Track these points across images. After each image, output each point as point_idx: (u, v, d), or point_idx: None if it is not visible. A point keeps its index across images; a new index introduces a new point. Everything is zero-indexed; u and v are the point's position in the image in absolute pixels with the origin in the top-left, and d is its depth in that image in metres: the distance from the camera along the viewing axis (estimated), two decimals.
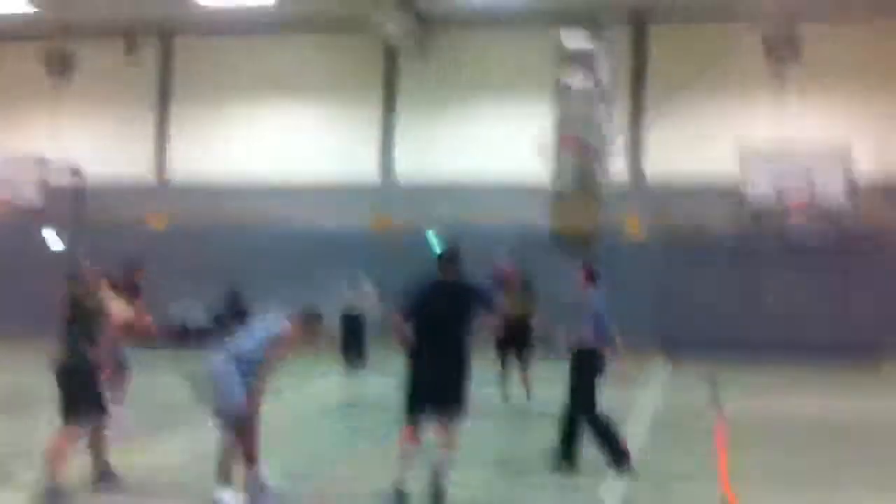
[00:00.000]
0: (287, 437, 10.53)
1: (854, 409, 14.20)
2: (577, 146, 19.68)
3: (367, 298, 17.76)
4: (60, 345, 7.85)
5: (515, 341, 13.03)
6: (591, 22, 20.21)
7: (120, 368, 10.31)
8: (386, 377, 16.25)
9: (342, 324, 17.76)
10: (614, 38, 20.70)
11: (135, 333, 8.28)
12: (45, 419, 9.98)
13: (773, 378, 18.03)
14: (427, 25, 23.10)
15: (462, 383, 7.75)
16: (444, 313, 7.70)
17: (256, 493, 7.64)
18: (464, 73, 23.08)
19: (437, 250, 8.31)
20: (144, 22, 24.22)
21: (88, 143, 24.73)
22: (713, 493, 7.80)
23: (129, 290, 8.35)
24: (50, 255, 22.46)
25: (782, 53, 21.17)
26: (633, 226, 21.97)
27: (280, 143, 23.94)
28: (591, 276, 9.42)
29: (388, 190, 23.36)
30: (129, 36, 24.69)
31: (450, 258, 7.99)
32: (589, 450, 8.88)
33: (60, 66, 24.95)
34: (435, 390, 7.65)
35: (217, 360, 7.58)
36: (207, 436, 8.40)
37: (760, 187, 20.13)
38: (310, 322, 7.73)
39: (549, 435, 10.90)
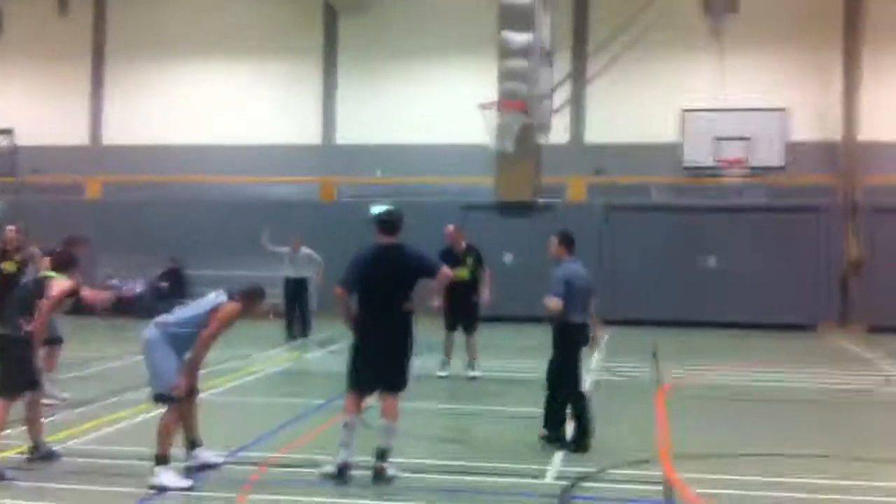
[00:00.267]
0: (227, 410, 10.50)
1: (791, 374, 14.40)
2: (518, 105, 19.59)
3: (308, 264, 17.61)
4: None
5: (461, 307, 12.97)
6: None
7: (53, 341, 10.19)
8: (329, 345, 16.31)
9: (285, 289, 17.64)
10: None
11: (91, 306, 8.16)
12: None
13: (712, 342, 18.36)
14: None
15: (404, 353, 7.74)
16: (385, 281, 7.60)
17: (196, 469, 7.63)
18: (404, 31, 22.87)
19: (377, 214, 8.14)
20: None
21: (21, 103, 24.16)
22: (657, 473, 7.89)
23: (68, 262, 8.18)
24: None
25: (720, 6, 21.31)
26: (574, 186, 22.09)
27: (218, 103, 23.52)
28: (567, 243, 8.95)
29: (329, 150, 23.15)
30: None
31: (389, 222, 7.83)
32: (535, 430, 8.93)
33: None
34: (377, 360, 7.63)
35: (151, 334, 7.51)
36: (147, 410, 8.36)
37: (698, 146, 20.34)
38: (250, 299, 7.67)
39: (490, 410, 11.12)
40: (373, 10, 23.08)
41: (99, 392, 11.31)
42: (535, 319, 20.13)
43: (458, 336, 13.24)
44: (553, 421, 8.84)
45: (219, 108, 23.49)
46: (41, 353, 8.47)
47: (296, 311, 17.66)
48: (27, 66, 24.47)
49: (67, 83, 24.32)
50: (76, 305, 8.35)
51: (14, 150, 23.97)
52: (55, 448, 8.08)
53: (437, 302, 12.04)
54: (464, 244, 13.27)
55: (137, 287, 22.31)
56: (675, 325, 19.66)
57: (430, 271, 7.88)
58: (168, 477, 7.21)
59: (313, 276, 17.46)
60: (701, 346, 17.72)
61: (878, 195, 20.70)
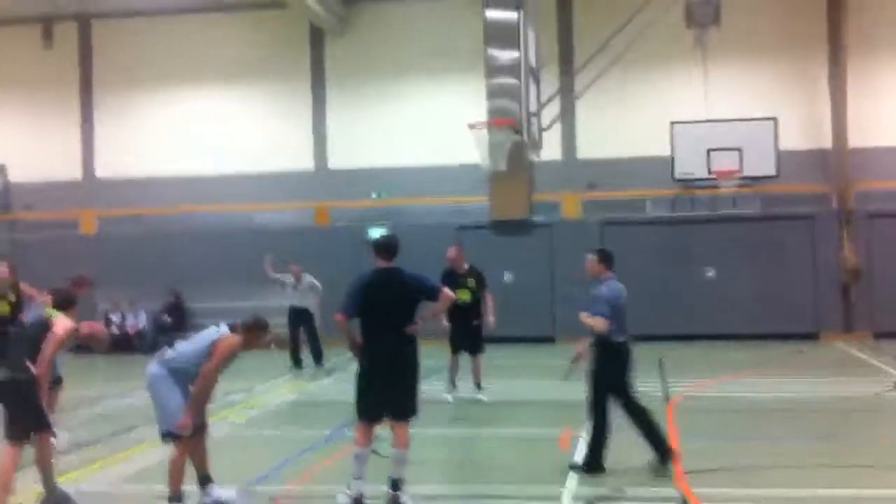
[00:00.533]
0: (237, 444, 10.44)
1: (794, 386, 14.37)
2: (508, 122, 19.59)
3: (311, 292, 17.57)
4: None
5: (464, 329, 12.96)
6: None
7: (53, 382, 10.09)
8: (335, 373, 16.24)
9: (290, 318, 17.55)
10: (539, 8, 20.65)
11: (83, 341, 8.12)
12: None
13: (715, 354, 18.35)
14: (349, 2, 22.86)
15: (412, 378, 7.72)
16: (387, 305, 7.58)
17: (209, 501, 7.58)
18: (391, 53, 22.87)
19: (375, 239, 8.10)
20: (60, 7, 23.49)
21: (11, 139, 24.01)
22: (673, 492, 7.87)
23: (70, 300, 8.14)
24: None
25: (702, 19, 21.38)
26: (569, 202, 22.12)
27: (209, 132, 23.43)
28: (607, 260, 8.78)
29: (322, 175, 23.12)
30: (45, 23, 23.96)
31: (387, 245, 7.83)
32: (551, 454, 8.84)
33: None
34: (385, 386, 7.60)
35: (155, 370, 7.47)
36: (156, 448, 8.29)
37: (690, 158, 20.39)
38: (252, 331, 7.62)
39: (500, 433, 11.08)
40: (359, 33, 23.10)
41: (106, 431, 11.23)
42: (535, 339, 20.39)
43: (463, 358, 13.21)
44: (595, 446, 8.58)
45: (210, 137, 23.41)
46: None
47: (300, 340, 17.56)
48: (15, 100, 24.37)
49: (57, 117, 24.22)
50: (75, 343, 8.30)
51: (6, 187, 23.86)
52: (66, 490, 8.01)
53: (443, 322, 12.05)
54: (465, 266, 13.25)
55: (140, 322, 22.21)
56: (676, 338, 19.65)
57: (431, 293, 7.85)
58: None
59: (315, 303, 17.38)
60: (704, 359, 17.72)
61: (872, 201, 20.76)
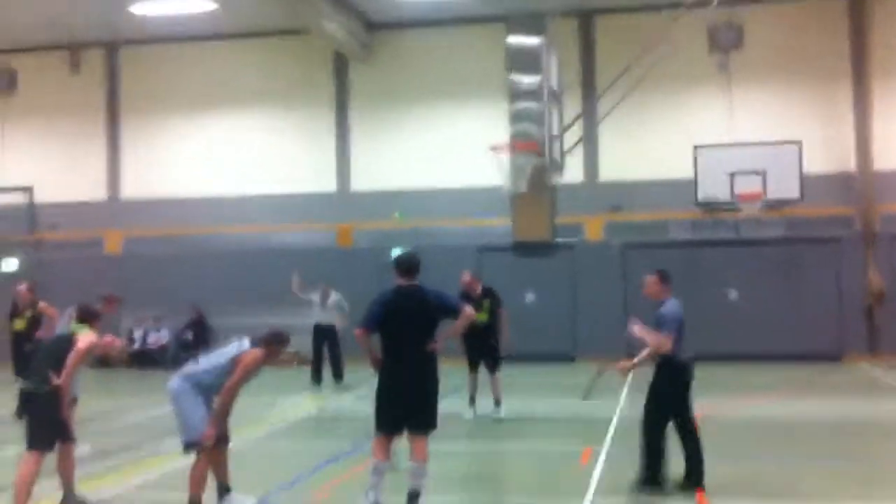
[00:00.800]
0: (256, 456, 10.47)
1: (818, 407, 14.28)
2: (531, 146, 19.66)
3: (337, 310, 17.66)
4: (24, 370, 7.80)
5: (481, 348, 13.02)
6: (536, 17, 20.23)
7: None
8: (355, 390, 16.28)
9: (315, 336, 17.68)
10: (561, 33, 20.77)
11: (103, 351, 8.22)
12: (13, 447, 9.90)
13: (737, 374, 18.21)
14: (373, 28, 23.06)
15: (431, 394, 7.72)
16: (408, 322, 7.60)
17: None
18: (414, 77, 23.05)
19: (396, 256, 8.13)
20: (88, 35, 23.86)
21: (38, 160, 24.39)
22: None
23: (93, 315, 8.25)
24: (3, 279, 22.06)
25: (725, 43, 21.45)
26: (591, 225, 22.12)
27: (234, 155, 23.68)
28: (668, 281, 8.81)
29: (345, 197, 23.26)
30: (72, 49, 24.36)
31: (408, 263, 7.85)
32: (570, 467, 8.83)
33: (5, 84, 24.62)
34: (404, 400, 7.61)
35: (178, 384, 7.54)
36: (176, 458, 8.34)
37: (713, 181, 20.33)
38: (273, 345, 7.69)
39: (520, 449, 11.06)
40: (382, 59, 23.29)
41: (127, 443, 11.30)
42: (556, 358, 20.35)
43: (481, 376, 13.24)
44: (653, 463, 8.45)
45: (234, 160, 23.66)
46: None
47: (323, 357, 17.66)
48: (42, 123, 24.73)
49: (83, 139, 24.56)
50: (94, 357, 8.38)
51: (32, 208, 24.15)
52: (88, 498, 8.07)
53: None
54: (479, 289, 13.31)
55: (162, 338, 22.40)
56: (698, 359, 19.46)
57: (452, 311, 7.87)
58: None
59: (342, 322, 17.44)
60: (727, 380, 17.57)
61: None
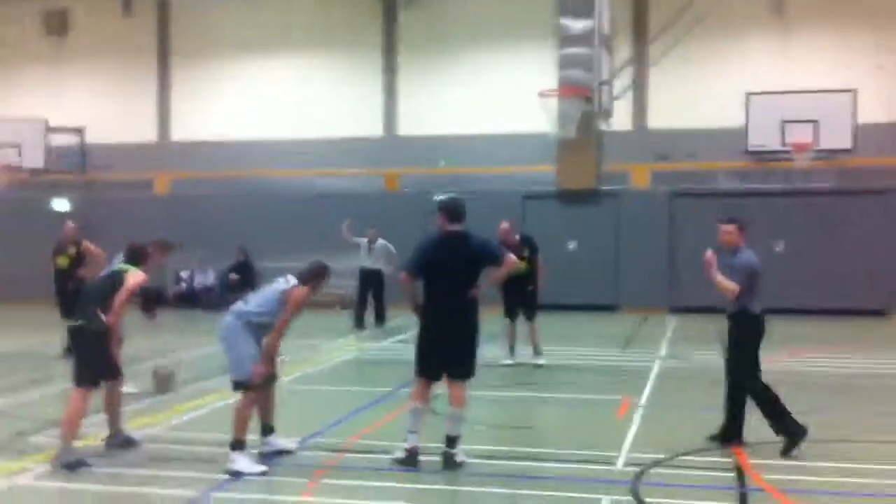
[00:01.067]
0: (299, 398, 10.64)
1: (865, 361, 14.11)
2: (580, 91, 19.44)
3: (383, 256, 17.78)
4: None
5: (519, 296, 13.06)
6: None
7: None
8: (397, 334, 16.44)
9: (360, 280, 17.85)
10: None
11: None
12: (60, 383, 10.20)
13: (780, 330, 18.03)
14: None
15: (472, 340, 7.78)
16: (452, 268, 7.62)
17: (270, 454, 7.79)
18: (462, 22, 22.87)
19: (442, 200, 8.12)
20: None
21: (89, 103, 24.70)
22: (728, 460, 7.86)
23: (142, 255, 8.34)
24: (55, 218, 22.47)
25: None
26: (638, 173, 21.92)
27: (281, 98, 23.80)
28: (744, 230, 8.51)
29: (391, 142, 23.28)
30: None
31: (455, 209, 7.81)
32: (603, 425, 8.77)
33: (58, 26, 24.83)
34: (444, 347, 7.67)
35: (229, 322, 7.67)
36: (222, 398, 8.52)
37: (764, 129, 20.00)
38: (317, 278, 7.82)
39: (557, 398, 11.12)
40: (431, 2, 23.13)
41: (174, 382, 11.53)
42: (598, 307, 20.34)
43: (519, 325, 13.29)
44: (735, 418, 8.36)
45: (282, 103, 23.77)
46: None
47: (367, 302, 17.83)
48: (94, 65, 25.00)
49: (134, 82, 24.79)
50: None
51: (84, 148, 24.50)
52: (133, 435, 8.30)
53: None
54: (517, 237, 13.29)
55: (208, 279, 22.74)
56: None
57: (496, 259, 7.88)
58: (243, 462, 7.38)
59: (388, 267, 17.57)
60: (770, 333, 17.42)
61: None
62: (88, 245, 13.48)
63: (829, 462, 7.77)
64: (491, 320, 11.75)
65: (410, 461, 7.54)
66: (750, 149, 20.32)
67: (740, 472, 7.46)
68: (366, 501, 6.77)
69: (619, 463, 7.76)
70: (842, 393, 11.31)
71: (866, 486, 7.12)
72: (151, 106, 24.78)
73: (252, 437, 7.72)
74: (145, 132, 24.65)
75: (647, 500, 6.69)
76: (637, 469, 7.47)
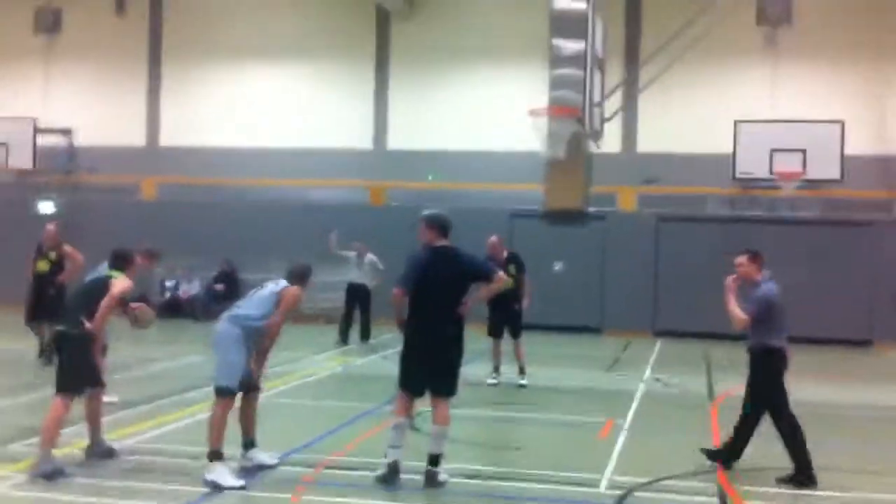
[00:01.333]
0: (281, 413, 10.57)
1: (848, 392, 14.20)
2: (570, 111, 19.48)
3: (371, 270, 17.71)
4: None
5: (504, 314, 13.03)
6: None
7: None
8: (380, 350, 16.37)
9: (348, 294, 17.76)
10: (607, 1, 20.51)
11: (134, 319, 8.26)
12: (40, 391, 10.08)
13: None
14: None
15: (457, 357, 7.75)
16: (441, 283, 7.59)
17: (251, 469, 7.72)
18: (456, 38, 22.87)
19: (431, 214, 8.08)
20: None
21: (79, 104, 24.50)
22: (711, 485, 7.85)
23: (127, 260, 8.25)
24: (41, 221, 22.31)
25: (774, 17, 21.04)
26: (625, 196, 21.97)
27: (271, 107, 23.70)
28: (757, 260, 8.39)
29: (380, 155, 23.24)
30: None
31: (444, 223, 7.82)
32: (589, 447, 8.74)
33: (49, 23, 24.67)
34: (428, 363, 7.64)
35: (224, 327, 7.65)
36: (202, 410, 8.44)
37: (752, 157, 20.10)
38: (305, 278, 7.98)
39: (541, 418, 11.10)
40: (424, 17, 23.15)
41: (155, 392, 11.43)
42: (582, 329, 20.35)
43: (504, 344, 13.27)
44: (737, 442, 8.33)
45: (272, 112, 23.69)
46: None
47: (353, 317, 17.73)
48: (85, 65, 24.81)
49: (124, 84, 24.64)
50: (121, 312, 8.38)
51: (72, 150, 24.35)
52: (114, 445, 8.20)
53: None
54: (505, 254, 13.30)
55: (192, 289, 22.59)
56: (727, 337, 19.36)
57: (486, 276, 7.90)
58: (221, 474, 7.31)
59: (373, 282, 17.49)
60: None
61: None
62: (71, 250, 13.35)
63: (818, 491, 7.76)
64: (476, 338, 11.75)
65: (391, 476, 7.48)
66: (738, 175, 20.41)
67: (724, 499, 7.44)
68: None
69: (602, 486, 7.74)
70: (830, 423, 11.31)
71: None
72: (141, 109, 24.62)
73: (233, 450, 7.65)
74: (134, 136, 24.48)
75: None
76: (620, 492, 7.45)
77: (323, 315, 19.70)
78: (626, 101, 21.18)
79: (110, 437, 8.37)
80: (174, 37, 24.50)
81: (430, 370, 7.64)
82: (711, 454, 8.52)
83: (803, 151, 19.78)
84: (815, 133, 19.89)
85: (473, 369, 12.35)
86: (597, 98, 20.27)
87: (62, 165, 24.06)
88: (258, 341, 7.73)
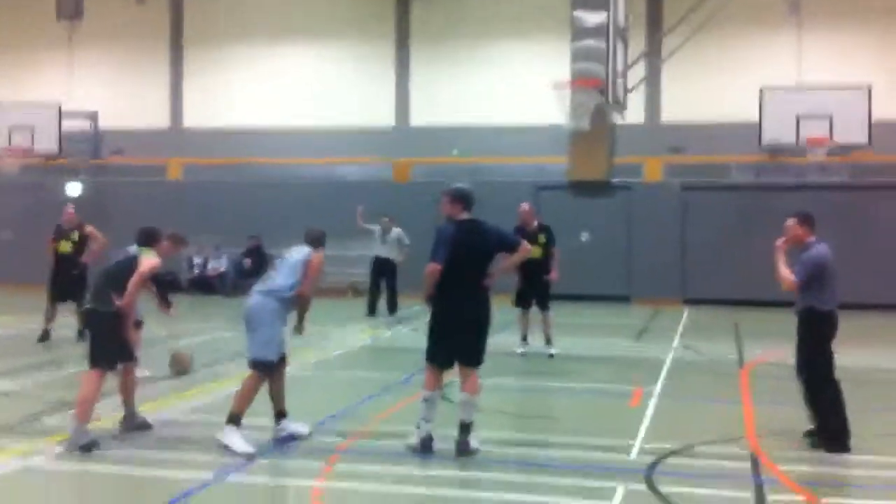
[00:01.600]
0: (312, 384, 10.65)
1: (879, 355, 14.04)
2: (593, 83, 19.36)
3: (397, 245, 17.75)
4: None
5: (533, 285, 13.02)
6: None
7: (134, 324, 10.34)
8: (408, 323, 16.43)
9: (373, 268, 17.85)
10: None
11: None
12: (74, 366, 10.21)
13: (789, 322, 17.97)
14: None
15: (484, 327, 7.75)
16: (467, 256, 7.59)
17: (283, 439, 7.79)
18: (477, 12, 22.83)
19: (457, 187, 8.05)
20: None
21: (102, 88, 24.69)
22: (743, 451, 7.84)
23: (153, 237, 8.32)
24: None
25: None
26: (650, 166, 21.85)
27: (294, 87, 23.77)
28: (810, 224, 8.12)
29: (403, 132, 23.25)
30: None
31: (469, 196, 7.82)
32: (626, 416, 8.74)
33: (71, 9, 24.79)
34: (456, 334, 7.65)
35: (256, 301, 7.75)
36: (234, 384, 8.51)
37: (778, 124, 19.89)
38: (322, 240, 8.26)
39: (570, 387, 11.10)
40: None
41: (193, 364, 11.52)
42: (610, 298, 20.31)
43: (532, 314, 13.26)
44: (834, 414, 7.94)
45: (294, 91, 23.75)
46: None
47: (380, 290, 17.81)
48: (108, 50, 24.98)
49: (147, 67, 24.79)
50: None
51: (97, 133, 24.53)
52: (147, 418, 8.29)
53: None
54: (535, 223, 13.25)
55: (221, 265, 22.75)
56: (754, 304, 19.31)
57: (511, 246, 7.89)
58: (235, 438, 7.42)
59: (400, 257, 17.54)
60: (781, 326, 17.38)
61: None
62: (93, 231, 13.51)
63: (847, 455, 7.72)
64: (504, 309, 11.76)
65: (424, 449, 7.52)
66: (764, 144, 20.21)
67: (755, 463, 7.43)
68: (380, 486, 6.76)
69: (634, 452, 7.74)
70: (860, 387, 11.24)
71: (878, 479, 7.11)
72: (164, 92, 24.78)
73: (265, 422, 7.72)
74: (158, 118, 24.66)
75: (662, 489, 6.67)
76: (652, 458, 7.45)
77: (351, 288, 19.79)
78: (650, 71, 21.07)
79: (144, 410, 8.46)
80: (195, 20, 24.60)
81: (457, 341, 7.65)
82: (829, 444, 7.88)
83: (830, 117, 19.55)
84: (842, 98, 19.63)
85: (502, 338, 12.35)
86: (620, 69, 20.15)
87: (88, 149, 24.22)
88: (286, 312, 7.81)
